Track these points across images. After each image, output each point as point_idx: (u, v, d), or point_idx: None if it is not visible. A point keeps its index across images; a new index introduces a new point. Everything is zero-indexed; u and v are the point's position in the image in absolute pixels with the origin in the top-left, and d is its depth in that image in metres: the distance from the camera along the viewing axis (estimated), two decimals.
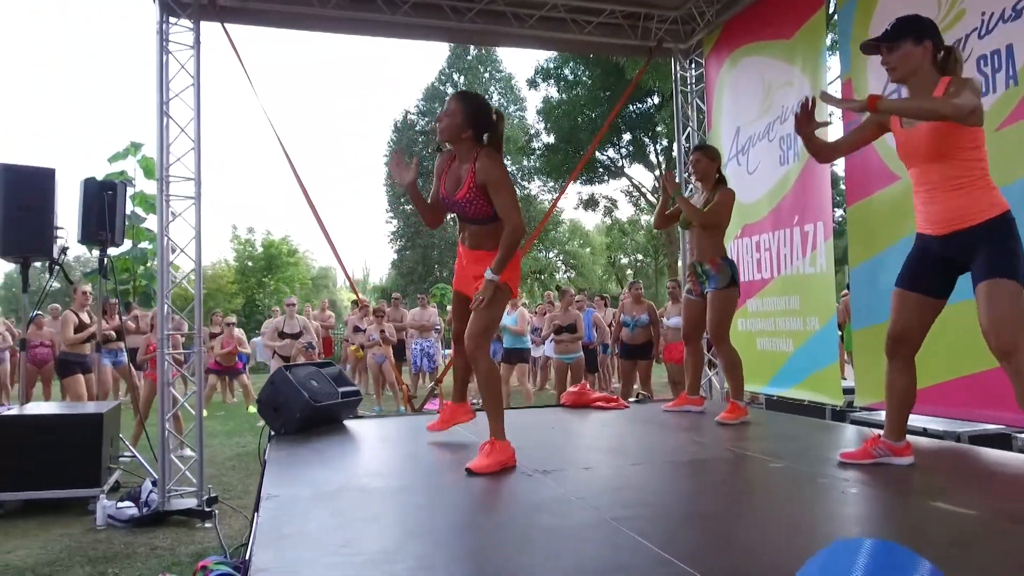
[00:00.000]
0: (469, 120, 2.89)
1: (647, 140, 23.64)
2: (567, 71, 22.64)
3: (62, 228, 5.30)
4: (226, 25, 5.04)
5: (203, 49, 4.84)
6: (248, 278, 27.73)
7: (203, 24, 4.87)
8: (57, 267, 5.37)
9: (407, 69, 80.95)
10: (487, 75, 34.24)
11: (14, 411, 4.92)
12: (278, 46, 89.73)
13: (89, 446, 4.68)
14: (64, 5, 72.34)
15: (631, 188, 26.78)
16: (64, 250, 5.35)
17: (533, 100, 47.69)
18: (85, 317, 6.91)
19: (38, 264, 5.71)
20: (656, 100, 20.71)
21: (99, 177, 6.56)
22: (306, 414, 3.83)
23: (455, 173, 2.99)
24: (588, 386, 5.08)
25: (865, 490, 2.52)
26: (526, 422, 4.02)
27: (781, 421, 4.36)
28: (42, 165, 5.29)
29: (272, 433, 3.91)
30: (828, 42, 6.42)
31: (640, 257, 36.92)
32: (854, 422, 4.27)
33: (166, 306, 4.70)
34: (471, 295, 2.99)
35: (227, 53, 5.18)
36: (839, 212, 11.76)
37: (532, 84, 23.68)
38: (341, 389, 4.20)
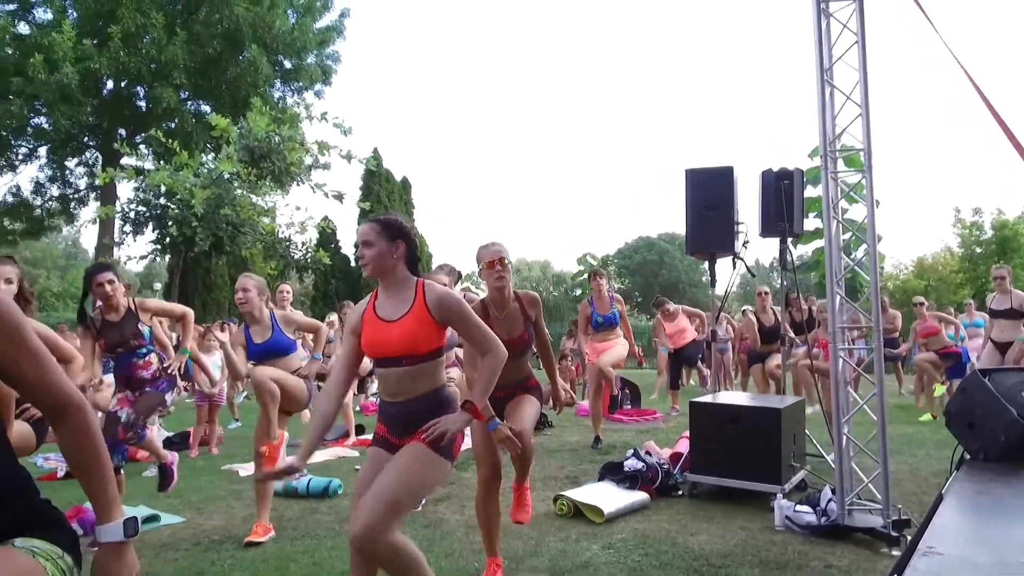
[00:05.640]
0: None
1: None
2: None
3: (742, 223, 5.46)
4: None
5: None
6: (976, 266, 24.25)
7: None
8: (740, 261, 5.56)
9: None
10: None
11: (708, 399, 5.26)
12: None
13: (769, 440, 4.59)
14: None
15: None
16: (745, 244, 5.49)
17: None
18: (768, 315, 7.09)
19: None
20: None
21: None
22: (1014, 438, 2.80)
23: None
24: None
25: None
26: None
27: None
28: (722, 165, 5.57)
29: (966, 455, 3.01)
30: None
31: None
32: None
33: (837, 297, 4.23)
34: None
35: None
36: None
37: None
38: None
